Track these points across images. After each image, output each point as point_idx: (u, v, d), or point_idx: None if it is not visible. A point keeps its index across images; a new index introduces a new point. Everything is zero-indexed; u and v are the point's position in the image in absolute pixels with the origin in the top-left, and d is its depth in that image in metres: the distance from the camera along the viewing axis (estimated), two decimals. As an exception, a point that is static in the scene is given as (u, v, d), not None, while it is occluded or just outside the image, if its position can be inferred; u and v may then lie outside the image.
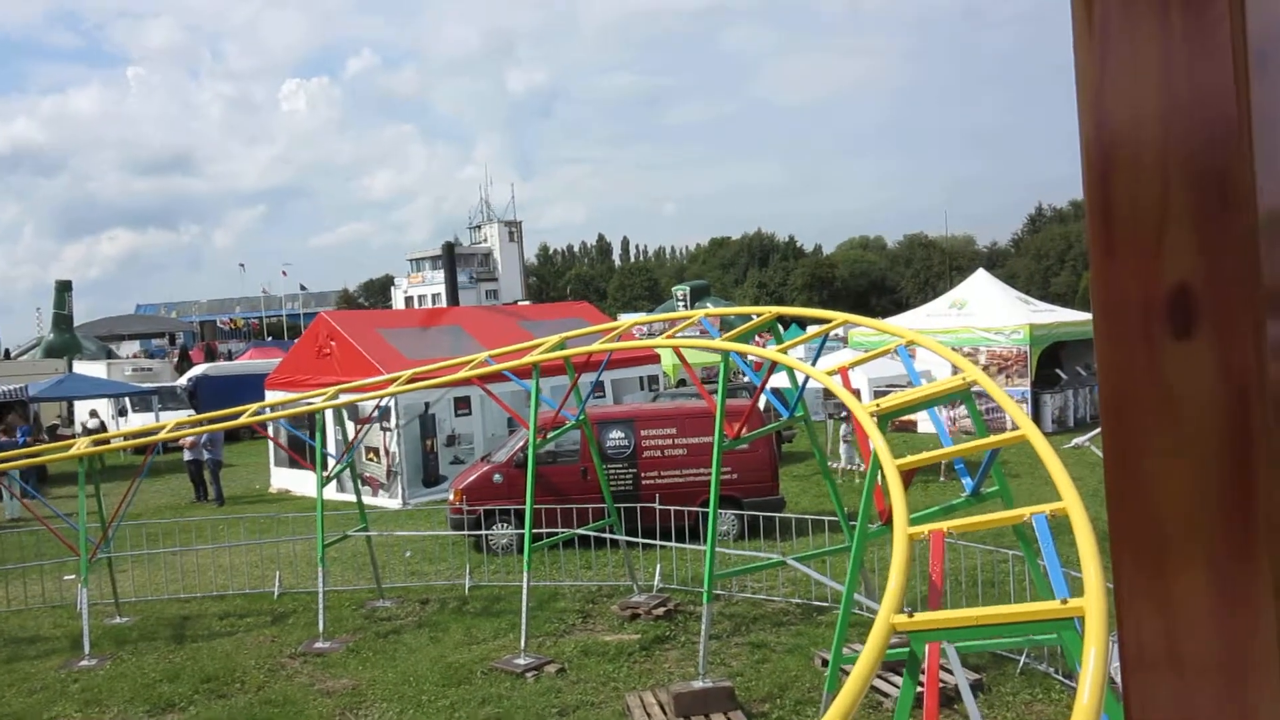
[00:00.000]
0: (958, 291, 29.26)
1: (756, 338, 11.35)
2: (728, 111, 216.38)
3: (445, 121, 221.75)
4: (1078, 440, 9.14)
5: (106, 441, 13.53)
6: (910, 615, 4.05)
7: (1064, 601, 3.90)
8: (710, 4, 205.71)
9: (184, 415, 26.64)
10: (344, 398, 12.91)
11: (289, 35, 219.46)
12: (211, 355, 50.50)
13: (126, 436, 14.48)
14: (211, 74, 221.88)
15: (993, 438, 6.05)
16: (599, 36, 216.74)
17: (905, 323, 29.01)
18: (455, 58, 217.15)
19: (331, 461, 14.29)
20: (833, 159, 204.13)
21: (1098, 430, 9.53)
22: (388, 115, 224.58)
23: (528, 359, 11.21)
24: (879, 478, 6.26)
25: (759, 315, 9.52)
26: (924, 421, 24.00)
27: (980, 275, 29.75)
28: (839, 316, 8.83)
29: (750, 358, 9.27)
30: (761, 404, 14.67)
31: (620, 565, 13.55)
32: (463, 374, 11.77)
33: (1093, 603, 3.82)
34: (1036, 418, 25.44)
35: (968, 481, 6.71)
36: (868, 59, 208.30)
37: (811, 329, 9.41)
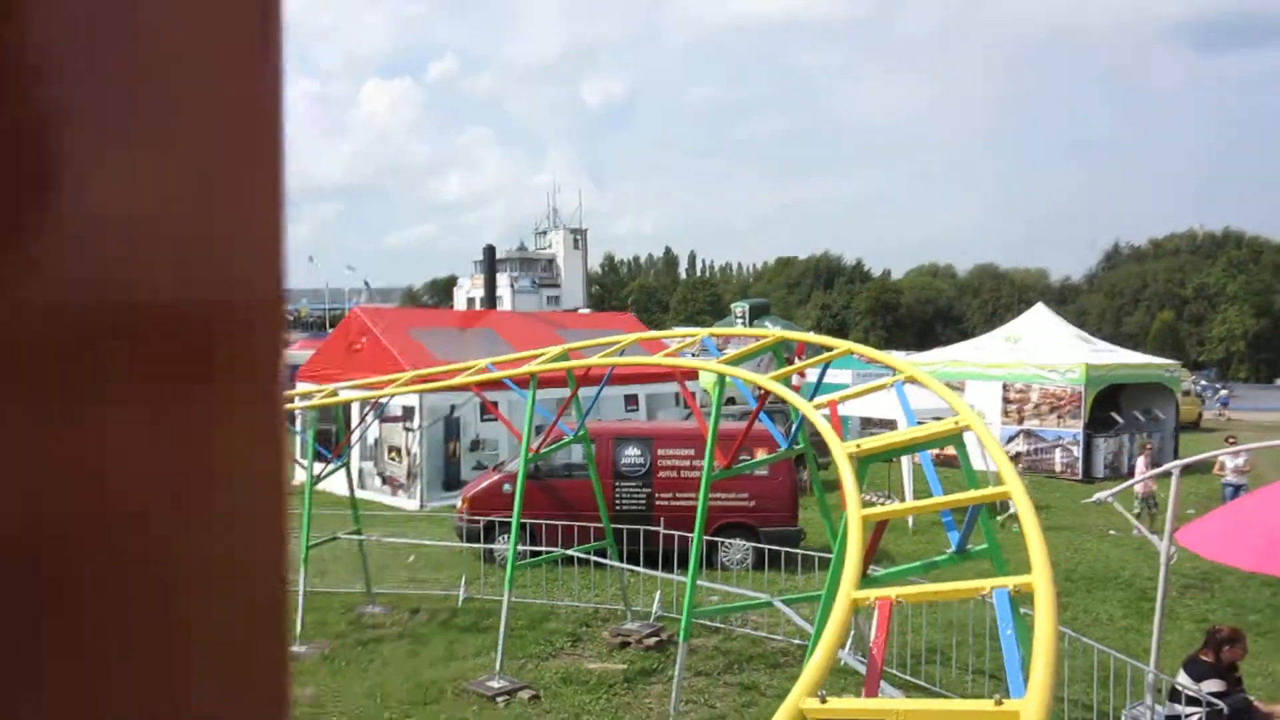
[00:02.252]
0: (1013, 325, 28.21)
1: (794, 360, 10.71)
2: (803, 129, 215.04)
3: (521, 127, 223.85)
4: (1100, 495, 8.32)
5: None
6: (823, 701, 3.42)
7: (998, 702, 3.24)
8: (791, 20, 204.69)
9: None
10: (343, 395, 12.53)
11: (374, 36, 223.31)
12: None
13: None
14: (298, 72, 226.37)
15: (973, 493, 5.36)
16: (679, 49, 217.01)
17: (958, 354, 28.05)
18: (534, 65, 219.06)
19: (347, 456, 13.97)
20: (907, 183, 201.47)
21: (1129, 483, 8.72)
22: (465, 118, 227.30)
23: (526, 369, 10.70)
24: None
25: (761, 339, 8.91)
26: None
27: (1039, 309, 28.62)
28: (842, 345, 8.18)
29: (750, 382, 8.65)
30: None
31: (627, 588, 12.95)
32: (461, 379, 11.32)
33: (1032, 707, 3.16)
34: (1088, 462, 24.33)
35: (953, 535, 6.01)
36: (948, 84, 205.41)
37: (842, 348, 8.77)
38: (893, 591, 4.29)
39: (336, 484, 15.26)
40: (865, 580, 5.25)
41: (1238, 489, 17.42)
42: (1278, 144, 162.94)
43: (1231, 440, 18.96)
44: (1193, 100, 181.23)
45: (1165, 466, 8.56)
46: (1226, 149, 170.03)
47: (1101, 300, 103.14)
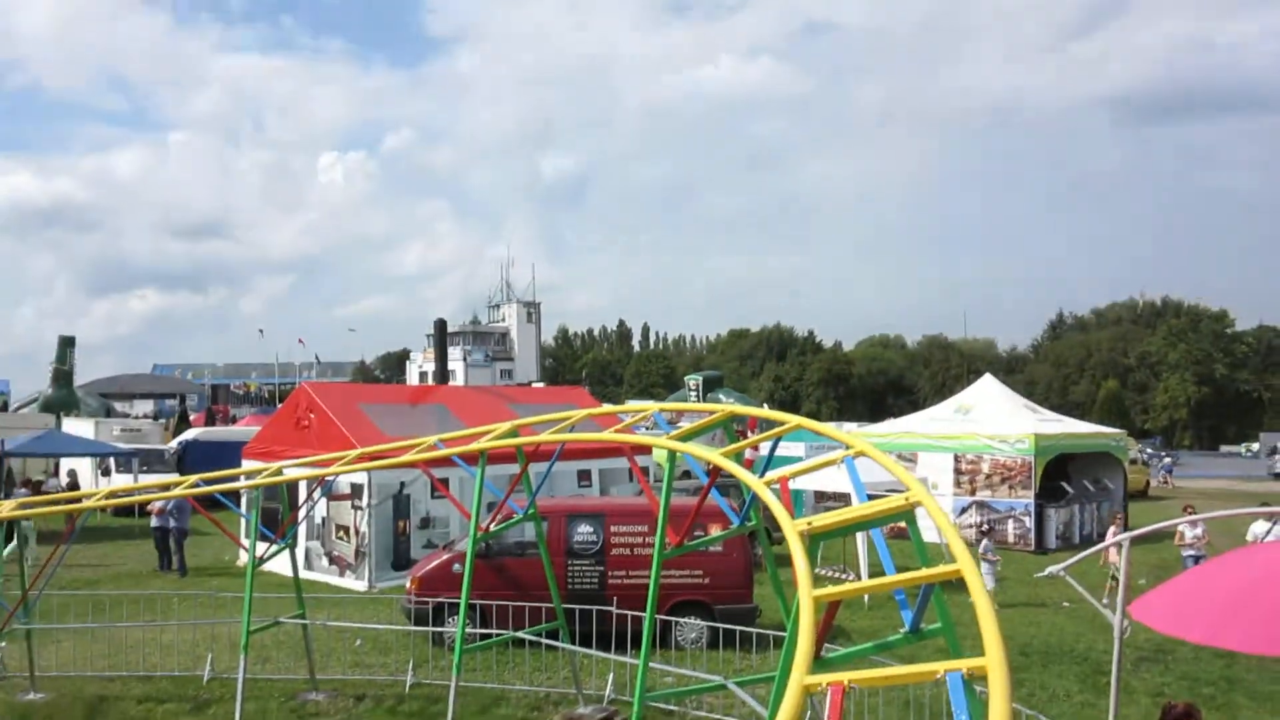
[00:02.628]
0: (963, 396, 28.50)
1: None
2: (755, 203, 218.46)
3: (477, 200, 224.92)
4: (1052, 569, 8.28)
5: (34, 505, 12.88)
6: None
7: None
8: (743, 96, 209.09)
9: (163, 478, 25.96)
10: (288, 473, 12.24)
11: (330, 109, 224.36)
12: (211, 419, 50.00)
13: (54, 501, 13.82)
14: (253, 143, 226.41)
15: (925, 571, 5.27)
16: (634, 124, 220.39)
17: (910, 425, 28.22)
18: (491, 140, 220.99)
19: (303, 535, 13.59)
20: (858, 256, 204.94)
21: (1079, 557, 8.69)
22: (421, 191, 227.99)
23: (475, 445, 10.53)
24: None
25: (712, 413, 8.85)
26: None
27: (987, 380, 28.99)
28: (792, 419, 8.14)
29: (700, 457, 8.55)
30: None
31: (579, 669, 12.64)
32: (408, 457, 11.09)
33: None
34: (1040, 532, 24.44)
35: (906, 614, 5.91)
36: (898, 159, 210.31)
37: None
38: (845, 676, 4.16)
39: (282, 565, 14.86)
40: (818, 663, 5.12)
41: (1198, 559, 17.52)
42: (1214, 214, 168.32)
43: (1190, 509, 19.10)
44: (1130, 172, 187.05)
45: (1118, 538, 8.55)
46: (1163, 219, 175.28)
47: (1048, 370, 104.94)
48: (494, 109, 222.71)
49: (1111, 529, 18.89)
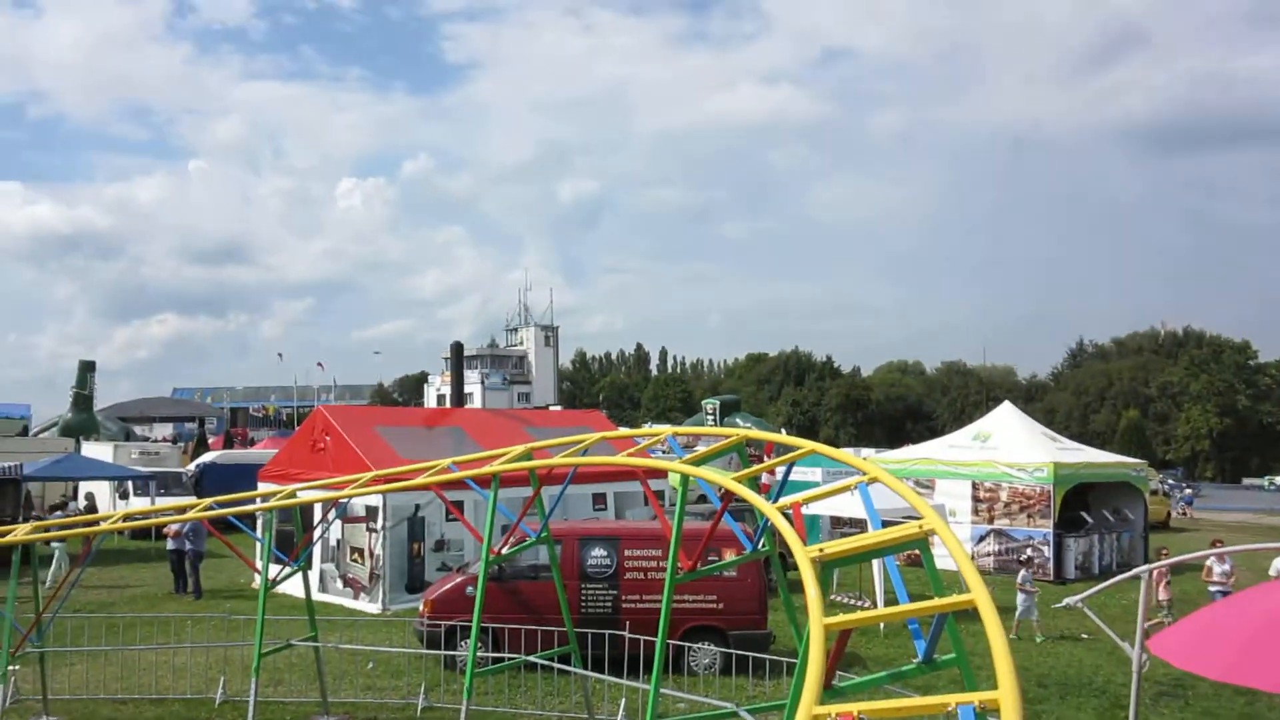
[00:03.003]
0: (982, 423, 28.27)
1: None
2: (772, 228, 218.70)
3: (495, 225, 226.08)
4: (1070, 600, 8.19)
5: (47, 529, 12.93)
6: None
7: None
8: (761, 122, 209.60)
9: (181, 501, 26.05)
10: (302, 495, 12.26)
11: (349, 136, 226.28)
12: (230, 442, 50.23)
13: (71, 524, 13.89)
14: (272, 169, 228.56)
15: (939, 600, 5.21)
16: (650, 150, 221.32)
17: (928, 452, 28.04)
18: (509, 165, 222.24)
19: (319, 557, 13.58)
20: (876, 281, 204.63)
21: (1097, 589, 8.59)
22: (440, 217, 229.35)
23: (488, 468, 10.51)
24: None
25: (726, 438, 8.81)
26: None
27: (1006, 408, 28.76)
28: (807, 445, 8.10)
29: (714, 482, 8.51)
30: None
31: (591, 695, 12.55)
32: (422, 480, 11.10)
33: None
34: (1059, 562, 24.18)
35: (920, 644, 5.84)
36: (916, 186, 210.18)
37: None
38: (855, 707, 4.11)
39: (296, 587, 14.84)
40: (829, 692, 5.06)
41: (1225, 594, 17.23)
42: (1236, 246, 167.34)
43: (1219, 543, 18.70)
44: (1151, 202, 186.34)
45: (1135, 570, 8.45)
46: (1185, 250, 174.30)
47: (1068, 398, 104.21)
48: (511, 134, 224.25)
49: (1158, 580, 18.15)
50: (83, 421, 49.93)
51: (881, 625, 17.04)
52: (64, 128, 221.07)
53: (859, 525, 19.60)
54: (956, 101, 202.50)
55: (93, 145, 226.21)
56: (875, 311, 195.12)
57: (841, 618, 5.21)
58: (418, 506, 19.92)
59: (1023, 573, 18.08)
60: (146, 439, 66.39)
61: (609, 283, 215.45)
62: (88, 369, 53.88)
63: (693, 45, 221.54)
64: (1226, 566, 17.91)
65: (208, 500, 12.32)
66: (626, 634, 12.99)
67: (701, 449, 9.30)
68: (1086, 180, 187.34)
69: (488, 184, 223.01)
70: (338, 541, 20.86)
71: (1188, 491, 54.26)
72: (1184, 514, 46.61)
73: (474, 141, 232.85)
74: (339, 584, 20.80)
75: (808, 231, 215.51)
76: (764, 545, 8.97)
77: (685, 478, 8.57)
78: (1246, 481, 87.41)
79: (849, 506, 18.63)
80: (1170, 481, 58.58)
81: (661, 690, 9.11)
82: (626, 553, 14.92)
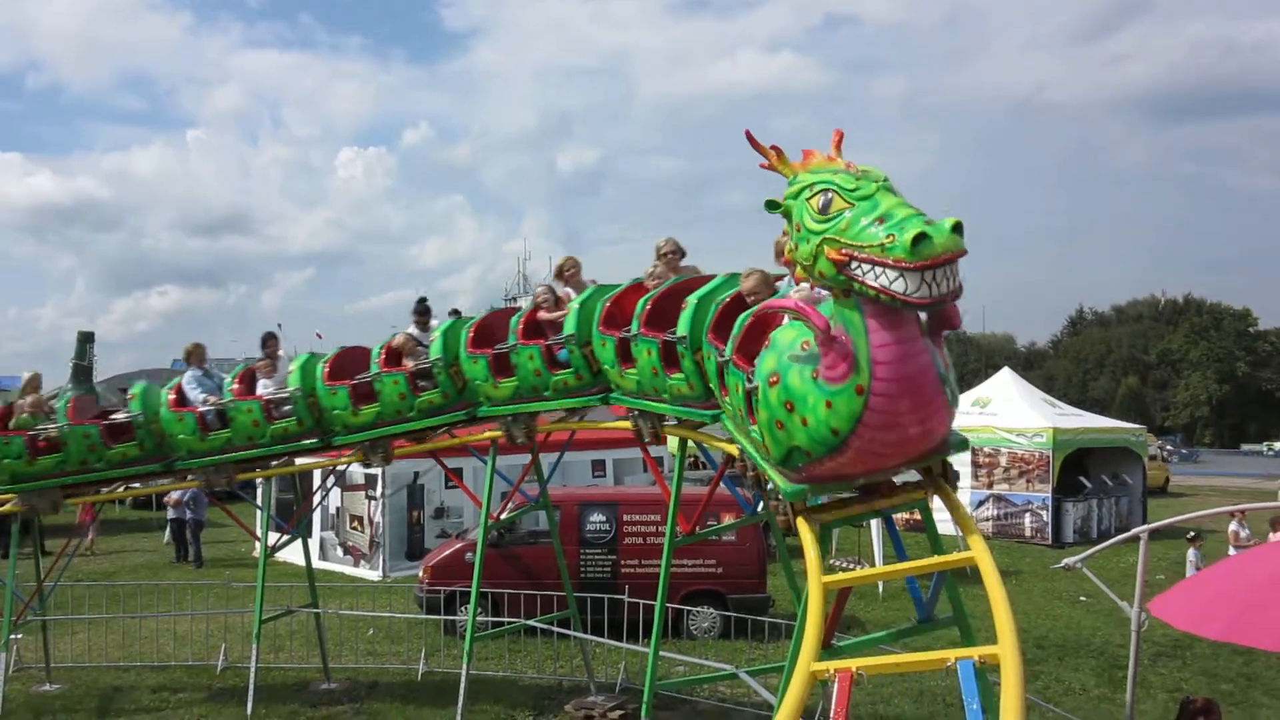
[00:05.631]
0: (981, 389, 28.24)
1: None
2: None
3: (495, 195, 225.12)
4: (1068, 561, 8.18)
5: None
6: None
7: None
8: (762, 90, 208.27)
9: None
10: (299, 462, 12.22)
11: (349, 105, 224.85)
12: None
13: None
14: (272, 139, 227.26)
15: (937, 559, 5.20)
16: (650, 118, 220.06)
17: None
18: (509, 133, 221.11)
19: (314, 526, 13.60)
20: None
21: (1095, 549, 8.58)
22: (440, 186, 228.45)
23: (487, 434, 10.49)
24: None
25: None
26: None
27: (1005, 374, 28.73)
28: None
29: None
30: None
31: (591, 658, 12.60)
32: (420, 446, 11.06)
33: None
34: (1057, 527, 24.25)
35: (920, 607, 5.84)
36: (917, 153, 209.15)
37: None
38: (853, 663, 4.11)
39: (297, 555, 14.89)
40: (828, 651, 5.06)
41: None
42: (1237, 213, 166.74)
43: (1240, 516, 18.31)
44: (1153, 169, 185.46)
45: (1133, 531, 8.43)
46: (1186, 217, 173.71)
47: (1067, 365, 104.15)
48: (511, 103, 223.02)
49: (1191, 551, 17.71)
50: (83, 393, 49.80)
51: (880, 588, 17.08)
52: (62, 98, 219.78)
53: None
54: (959, 69, 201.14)
55: (91, 115, 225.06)
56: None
57: (840, 575, 5.21)
58: (417, 474, 19.93)
59: (1191, 552, 17.49)
60: (146, 410, 66.24)
61: (608, 252, 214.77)
62: (86, 340, 53.45)
63: (695, 12, 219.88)
64: (1248, 534, 17.87)
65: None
66: (626, 598, 13.03)
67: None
68: (1088, 147, 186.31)
69: (488, 153, 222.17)
70: (337, 510, 20.90)
71: (1174, 453, 54.92)
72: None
73: (474, 110, 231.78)
74: (339, 551, 20.86)
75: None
76: (763, 509, 8.95)
77: (684, 441, 8.55)
78: (1245, 447, 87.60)
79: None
80: (1169, 448, 58.85)
81: (661, 653, 9.13)
82: (625, 518, 14.95)
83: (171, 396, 10.88)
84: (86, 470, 11.09)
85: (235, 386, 10.82)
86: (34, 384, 11.35)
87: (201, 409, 10.72)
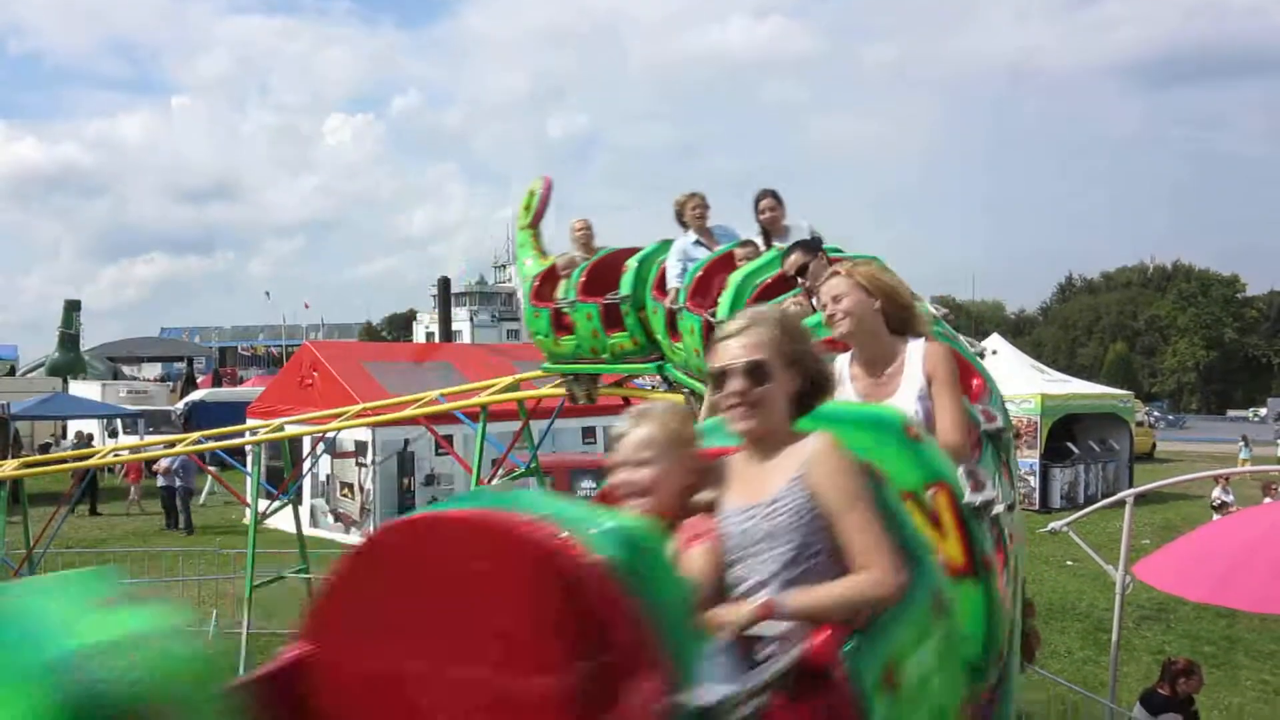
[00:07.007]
0: (971, 356, 28.32)
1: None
2: (762, 164, 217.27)
3: (485, 161, 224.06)
4: (1055, 525, 8.25)
5: (38, 464, 12.93)
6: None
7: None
8: (752, 56, 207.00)
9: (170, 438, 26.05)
10: (288, 429, 12.24)
11: (337, 71, 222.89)
12: (218, 381, 50.14)
13: (61, 459, 13.91)
14: (259, 106, 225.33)
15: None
16: (641, 84, 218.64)
17: (915, 385, 28.07)
18: (499, 100, 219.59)
19: (304, 492, 13.64)
20: (864, 216, 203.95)
21: (1082, 513, 8.66)
22: (429, 153, 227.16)
23: (476, 400, 10.50)
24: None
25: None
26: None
27: (994, 340, 28.80)
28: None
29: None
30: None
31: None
32: (410, 412, 11.09)
33: None
34: (1045, 492, 24.42)
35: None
36: (908, 121, 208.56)
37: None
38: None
39: (287, 521, 14.92)
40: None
41: None
42: (1226, 179, 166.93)
43: (1274, 488, 18.54)
44: (1142, 135, 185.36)
45: (1119, 495, 8.51)
46: (1175, 184, 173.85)
47: (1056, 332, 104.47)
48: (501, 68, 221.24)
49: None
50: (70, 361, 49.62)
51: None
52: (45, 64, 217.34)
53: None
54: (949, 35, 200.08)
55: (74, 81, 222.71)
56: (865, 245, 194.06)
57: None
58: (407, 441, 19.96)
59: (1218, 489, 18.48)
60: (135, 379, 66.28)
61: (599, 218, 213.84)
62: (73, 308, 53.38)
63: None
64: (1230, 498, 18.12)
65: (196, 434, 12.30)
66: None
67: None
68: (1079, 113, 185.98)
69: (478, 119, 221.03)
70: (327, 477, 20.93)
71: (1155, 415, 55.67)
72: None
73: (464, 76, 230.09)
74: (329, 519, 20.91)
75: (798, 167, 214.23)
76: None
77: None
78: (1231, 413, 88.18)
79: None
80: (1155, 414, 59.27)
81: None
82: (616, 485, 15.02)
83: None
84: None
85: (582, 281, 8.54)
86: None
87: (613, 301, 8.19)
